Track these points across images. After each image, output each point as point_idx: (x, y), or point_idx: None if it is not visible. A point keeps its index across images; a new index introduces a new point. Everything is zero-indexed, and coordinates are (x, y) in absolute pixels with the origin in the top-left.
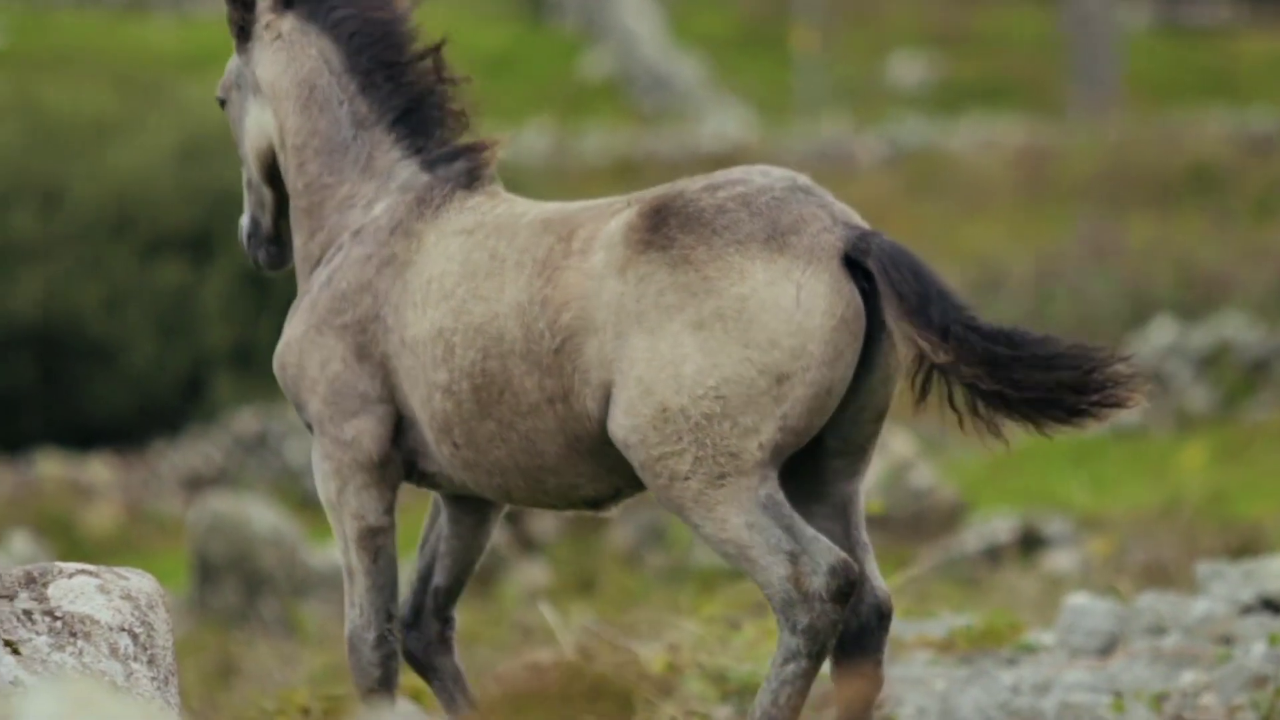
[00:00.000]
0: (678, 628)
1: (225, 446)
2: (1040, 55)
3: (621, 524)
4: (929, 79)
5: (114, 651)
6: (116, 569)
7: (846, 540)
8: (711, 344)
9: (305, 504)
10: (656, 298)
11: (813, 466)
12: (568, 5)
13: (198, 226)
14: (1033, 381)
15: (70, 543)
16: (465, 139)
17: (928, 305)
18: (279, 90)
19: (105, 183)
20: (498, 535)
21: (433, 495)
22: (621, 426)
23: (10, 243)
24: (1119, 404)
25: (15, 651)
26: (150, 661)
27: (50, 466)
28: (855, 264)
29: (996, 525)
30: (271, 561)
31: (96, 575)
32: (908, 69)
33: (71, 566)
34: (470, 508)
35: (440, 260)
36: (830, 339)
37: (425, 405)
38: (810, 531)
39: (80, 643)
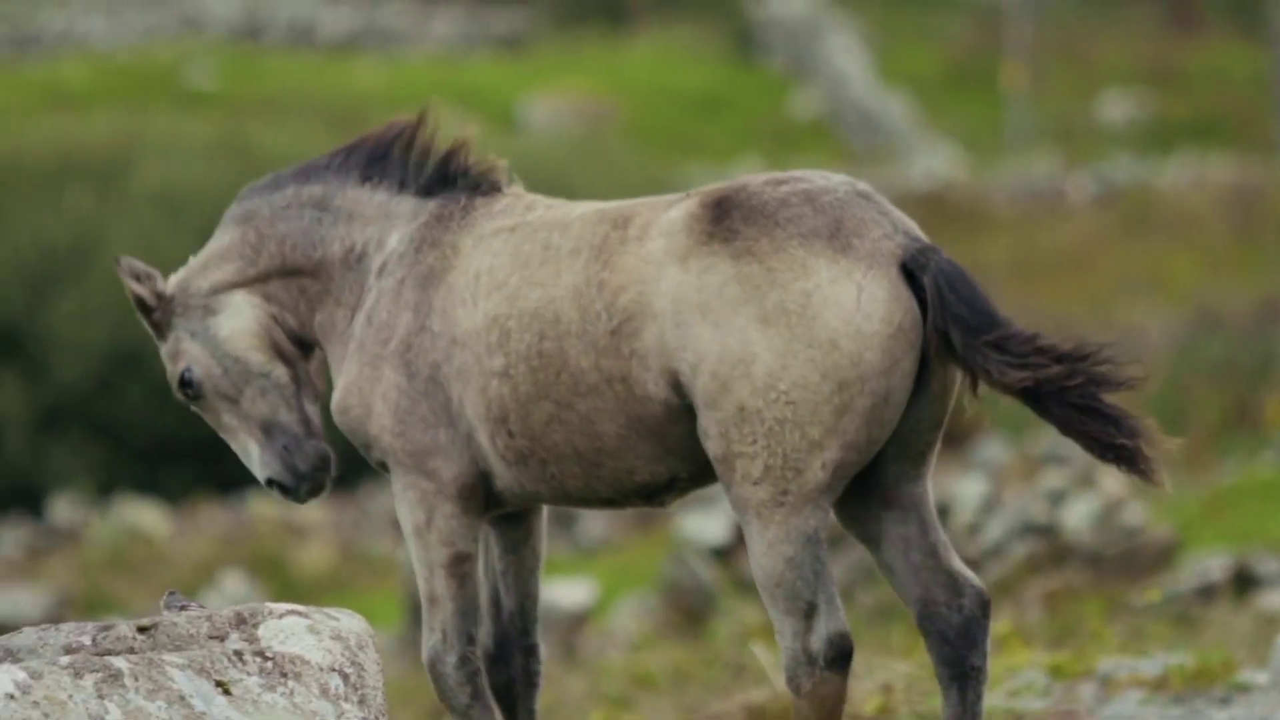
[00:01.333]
0: (889, 668)
1: None
2: (1251, 93)
3: (833, 562)
4: (1139, 117)
5: (325, 692)
6: (326, 609)
7: (924, 541)
8: (778, 342)
9: None
10: (720, 289)
11: (875, 473)
12: (776, 45)
13: None
14: (1079, 415)
15: (283, 582)
16: (435, 157)
17: (985, 329)
18: (224, 287)
19: None
20: (709, 574)
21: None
22: (705, 416)
23: None
24: (1139, 471)
25: (226, 692)
26: (361, 702)
27: (263, 507)
28: (913, 275)
29: (1210, 564)
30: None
31: (306, 616)
32: (1118, 107)
33: (281, 607)
34: (513, 521)
35: (486, 257)
36: (887, 346)
37: (480, 396)
38: (833, 589)
39: (291, 683)
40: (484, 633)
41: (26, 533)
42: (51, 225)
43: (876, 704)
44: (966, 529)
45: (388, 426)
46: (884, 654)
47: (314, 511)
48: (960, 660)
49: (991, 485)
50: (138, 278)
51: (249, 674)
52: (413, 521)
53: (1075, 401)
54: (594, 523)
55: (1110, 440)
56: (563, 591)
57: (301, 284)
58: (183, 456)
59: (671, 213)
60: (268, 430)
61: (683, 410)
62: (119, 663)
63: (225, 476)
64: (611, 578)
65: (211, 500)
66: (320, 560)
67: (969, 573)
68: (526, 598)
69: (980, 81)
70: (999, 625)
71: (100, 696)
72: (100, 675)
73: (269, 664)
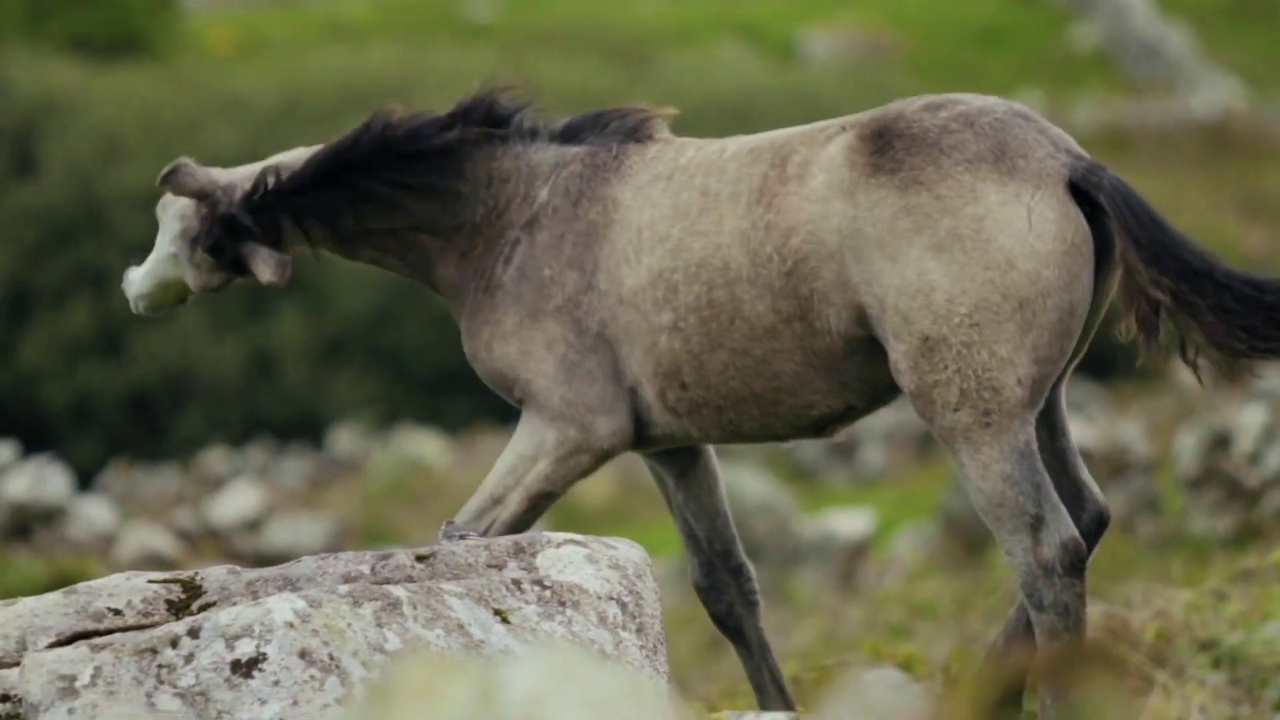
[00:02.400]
0: (1168, 597)
1: None
2: None
3: (1114, 492)
4: None
5: (603, 620)
6: (604, 538)
7: (1052, 445)
8: (954, 268)
9: (797, 474)
10: (891, 222)
11: None
12: None
13: None
14: (1269, 332)
15: (562, 513)
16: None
17: (1174, 249)
18: (321, 235)
19: None
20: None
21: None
22: (894, 350)
23: None
24: None
25: (505, 620)
26: (639, 630)
27: None
28: (1079, 192)
29: None
30: (762, 531)
31: (584, 545)
32: None
33: (559, 536)
34: (680, 457)
35: (645, 210)
36: (1063, 264)
37: (649, 354)
38: (1054, 497)
39: (569, 612)
40: (692, 568)
41: (308, 463)
42: None
43: (1155, 631)
44: (1247, 458)
45: (549, 373)
46: (1163, 583)
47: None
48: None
49: (1272, 415)
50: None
51: (527, 603)
52: (533, 449)
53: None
54: (873, 453)
55: None
56: (841, 521)
57: (416, 239)
58: (462, 387)
59: (829, 148)
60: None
61: (863, 342)
62: (398, 591)
63: (505, 407)
64: (890, 508)
65: (491, 430)
66: (600, 491)
67: (1095, 487)
68: (717, 517)
69: (1261, 13)
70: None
71: (379, 625)
72: (379, 604)
73: (547, 593)
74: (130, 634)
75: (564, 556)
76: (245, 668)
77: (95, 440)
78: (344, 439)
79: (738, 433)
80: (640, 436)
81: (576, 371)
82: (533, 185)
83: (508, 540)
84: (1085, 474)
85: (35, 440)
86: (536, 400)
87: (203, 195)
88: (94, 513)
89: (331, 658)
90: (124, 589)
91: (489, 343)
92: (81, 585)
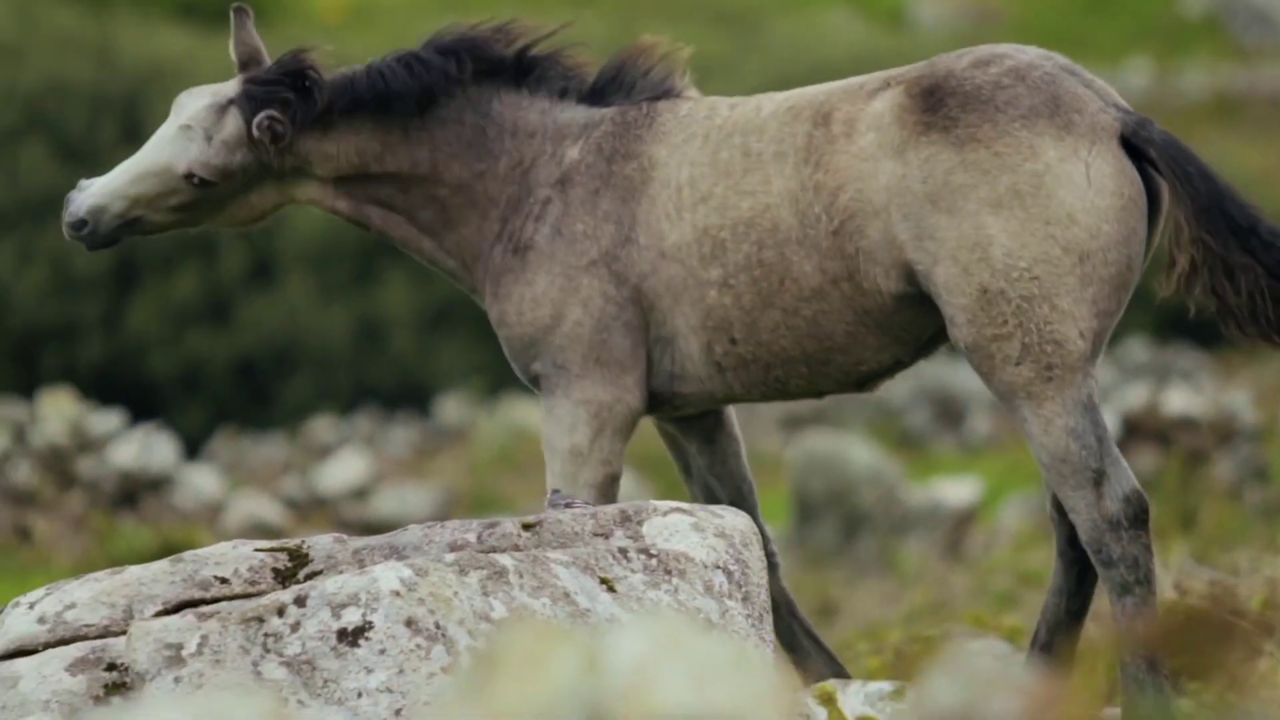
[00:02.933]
0: (1277, 565)
1: None
2: None
3: (1222, 460)
4: None
5: (709, 589)
6: (710, 507)
7: None
8: (1014, 223)
9: (904, 442)
10: (945, 177)
11: None
12: None
13: None
14: None
15: (670, 481)
16: (580, 59)
17: (1222, 204)
18: (343, 160)
19: None
20: None
21: (666, 435)
22: (950, 305)
23: None
24: None
25: (611, 589)
26: (745, 599)
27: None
28: (1130, 146)
29: None
30: (869, 500)
31: (691, 513)
32: None
33: (666, 504)
34: (705, 423)
35: (685, 167)
36: (1121, 218)
37: (696, 307)
38: (1115, 450)
39: (675, 580)
40: None
41: (415, 432)
42: None
43: (1260, 599)
44: None
45: (585, 335)
46: (1271, 551)
47: None
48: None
49: None
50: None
51: (633, 571)
52: (571, 441)
53: None
54: (980, 421)
55: None
56: (948, 490)
57: (434, 193)
58: None
59: (875, 105)
60: None
61: (912, 298)
62: (504, 560)
63: None
64: (997, 476)
65: None
66: None
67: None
68: (742, 482)
69: None
70: None
71: (485, 593)
72: (485, 572)
73: (653, 561)
74: (236, 603)
75: (670, 525)
76: (351, 636)
77: (203, 409)
78: (451, 407)
79: (782, 390)
80: (673, 394)
81: (614, 325)
82: (560, 144)
83: (614, 509)
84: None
85: (143, 409)
86: (567, 371)
87: (255, 56)
88: (201, 481)
89: (437, 626)
90: (230, 557)
91: (520, 306)
92: (188, 554)
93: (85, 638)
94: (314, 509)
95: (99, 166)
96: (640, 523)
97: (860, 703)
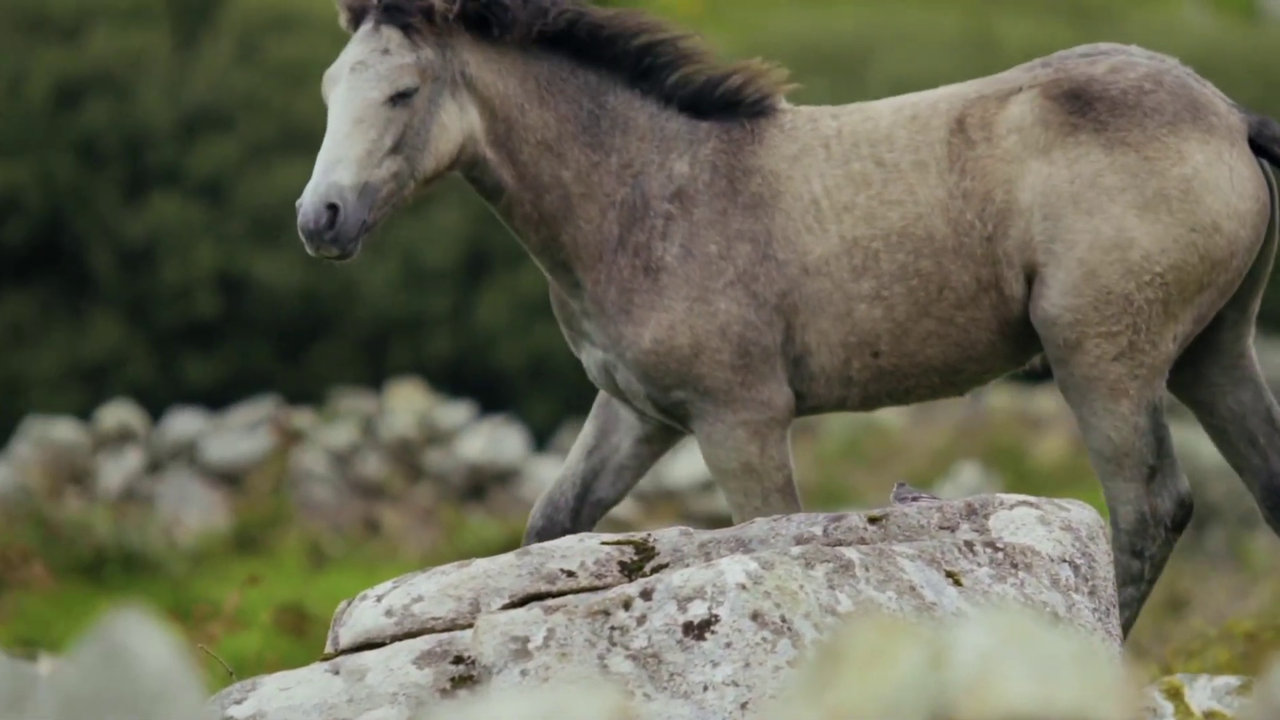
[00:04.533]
0: None
1: None
2: None
3: None
4: None
5: (1055, 583)
6: (1056, 500)
7: (1259, 406)
8: (1158, 228)
9: None
10: (1094, 179)
11: (1212, 334)
12: None
13: None
14: None
15: (1017, 474)
16: (699, 70)
17: None
18: (500, 92)
19: None
20: None
21: (603, 406)
22: (1055, 305)
23: None
24: None
25: (957, 583)
26: (1091, 593)
27: (1000, 398)
28: (1256, 147)
29: None
30: (1219, 493)
31: (1037, 506)
32: None
33: (1012, 498)
34: (667, 432)
35: (814, 180)
36: (1255, 223)
37: (841, 321)
38: (1173, 452)
39: (1021, 574)
40: (549, 508)
41: None
42: None
43: None
44: None
45: (726, 361)
46: None
47: (1049, 403)
48: None
49: None
50: None
51: (979, 565)
52: (742, 459)
53: None
54: None
55: None
56: None
57: (559, 173)
58: None
59: (1011, 109)
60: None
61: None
62: (850, 553)
63: None
64: None
65: None
66: (1055, 452)
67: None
68: (620, 497)
69: None
70: None
71: (831, 587)
72: (831, 565)
73: (999, 555)
74: (583, 595)
75: (1016, 518)
76: (697, 629)
77: (551, 400)
78: None
79: (892, 397)
80: (801, 403)
81: (754, 350)
82: (668, 155)
83: (960, 502)
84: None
85: (491, 401)
86: (715, 397)
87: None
88: (549, 473)
89: (783, 620)
90: (577, 550)
91: (657, 334)
92: (535, 547)
93: (432, 630)
94: (661, 501)
95: None
96: (986, 516)
97: (1207, 697)
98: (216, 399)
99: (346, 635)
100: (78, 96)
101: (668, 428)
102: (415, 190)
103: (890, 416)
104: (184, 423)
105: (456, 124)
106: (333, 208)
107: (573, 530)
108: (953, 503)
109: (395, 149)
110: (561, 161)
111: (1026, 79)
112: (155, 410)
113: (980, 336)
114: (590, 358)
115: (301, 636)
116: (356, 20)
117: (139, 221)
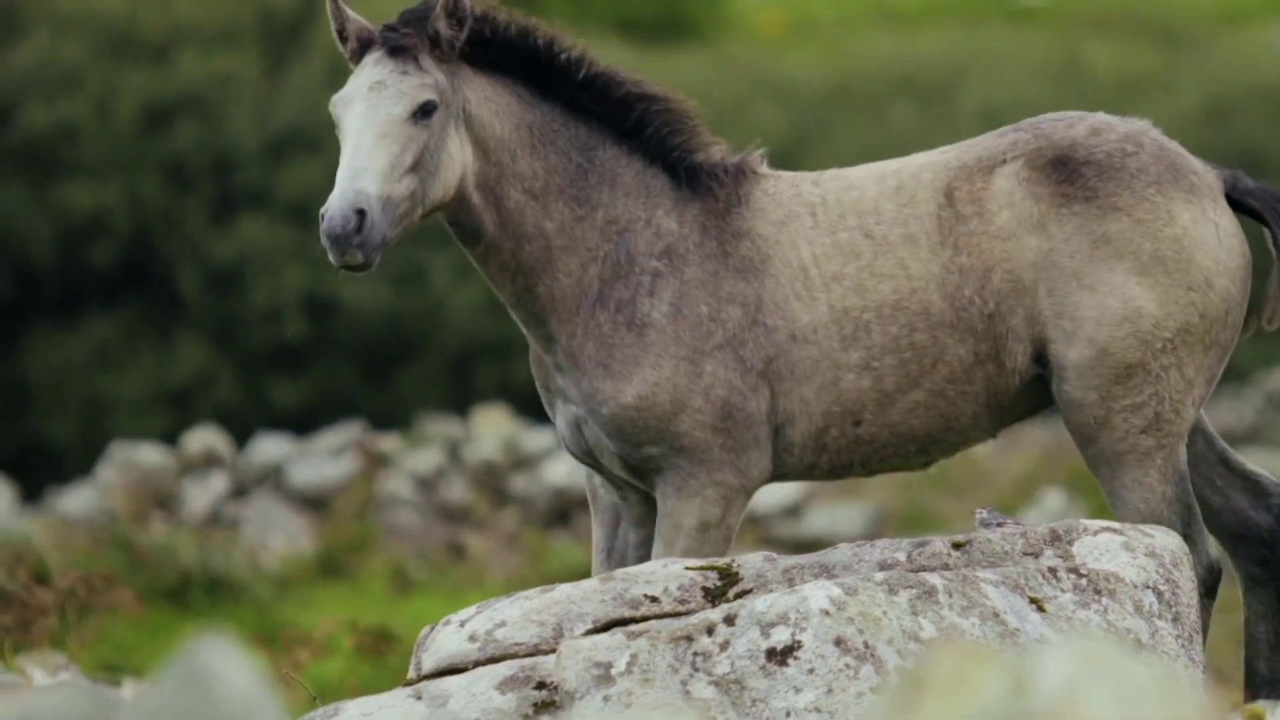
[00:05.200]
0: None
1: (1256, 405)
2: None
3: None
4: None
5: (1138, 609)
6: (1141, 526)
7: (1212, 453)
8: (1159, 291)
9: None
10: (1091, 251)
11: None
12: None
13: None
14: None
15: (1102, 500)
16: (685, 130)
17: None
18: (496, 134)
19: None
20: None
21: (602, 510)
22: (1076, 387)
23: None
24: None
25: (1040, 609)
26: (1175, 620)
27: None
28: (1232, 202)
29: None
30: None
31: (1121, 532)
32: None
33: (1096, 524)
34: (654, 508)
35: (802, 247)
36: (1243, 278)
37: (827, 390)
38: (1200, 519)
39: (1105, 600)
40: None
41: None
42: (876, 143)
43: None
44: None
45: (707, 423)
46: None
47: None
48: (1276, 558)
49: None
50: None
51: (1063, 591)
52: (702, 518)
53: None
54: None
55: None
56: None
57: (543, 224)
58: None
59: (998, 181)
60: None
61: (1033, 378)
62: (933, 579)
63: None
64: None
65: (1032, 418)
66: None
67: (1264, 471)
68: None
69: None
70: None
71: (914, 613)
72: (915, 591)
73: (1083, 581)
74: (666, 621)
75: (1100, 544)
76: (780, 655)
77: None
78: None
79: (864, 466)
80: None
81: (737, 415)
82: (654, 212)
83: (1044, 528)
84: (1252, 466)
85: None
86: (690, 456)
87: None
88: None
89: (866, 645)
90: (661, 576)
91: (639, 389)
92: (619, 572)
93: (515, 656)
94: (745, 527)
95: None
96: (1070, 542)
97: None
98: (302, 423)
99: (429, 660)
100: (166, 118)
101: (654, 505)
102: (419, 219)
103: None
104: (270, 447)
105: (459, 157)
106: (360, 213)
107: None
108: (1037, 528)
109: (414, 168)
110: (546, 213)
111: (1007, 148)
112: (241, 434)
113: (966, 409)
114: (563, 416)
115: (384, 661)
116: (363, 49)
117: (227, 244)
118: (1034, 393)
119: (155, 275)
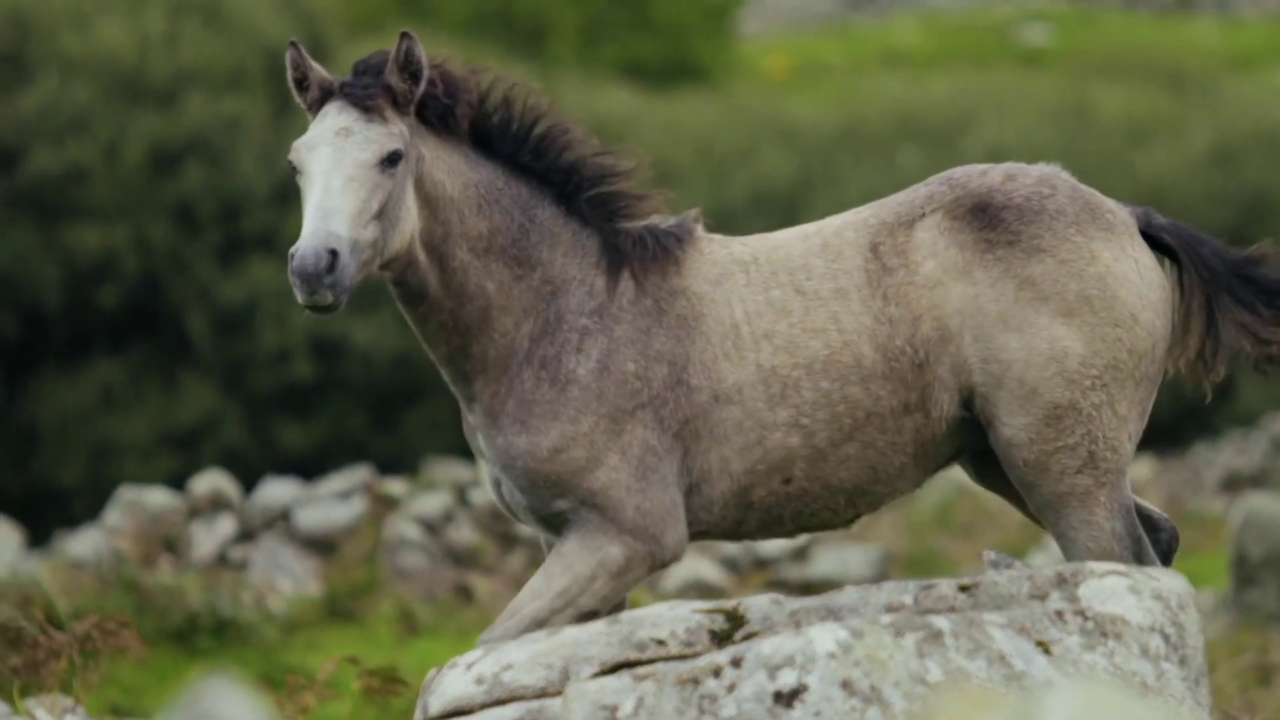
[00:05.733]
0: None
1: (1263, 448)
2: None
3: None
4: None
5: (1145, 652)
6: (1147, 569)
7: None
8: (1086, 330)
9: None
10: (1017, 293)
11: None
12: None
13: (1227, 229)
14: None
15: None
16: (622, 190)
17: (1243, 272)
18: (446, 194)
19: (1141, 182)
20: None
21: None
22: (1008, 429)
23: None
24: None
25: (1047, 652)
26: (1181, 662)
27: None
28: (1147, 238)
29: None
30: None
31: (1127, 575)
32: None
33: (1103, 567)
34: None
35: (735, 304)
36: (1165, 311)
37: (749, 450)
38: (1150, 550)
39: (1111, 643)
40: None
41: None
42: (882, 185)
43: None
44: None
45: (623, 482)
46: None
47: (1142, 469)
48: None
49: None
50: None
51: (1069, 634)
52: (594, 570)
53: None
54: None
55: None
56: None
57: (484, 284)
58: None
59: (921, 234)
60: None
61: (961, 424)
62: (940, 622)
63: None
64: None
65: None
66: None
67: (1155, 507)
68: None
69: None
70: None
71: (920, 655)
72: (921, 634)
73: (1089, 624)
74: (673, 664)
75: (1107, 587)
76: (787, 698)
77: None
78: None
79: (795, 521)
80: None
81: (652, 477)
82: (589, 271)
83: (1051, 570)
84: (1143, 501)
85: None
86: (603, 512)
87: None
88: None
89: (873, 688)
90: (667, 619)
91: (556, 444)
92: (625, 615)
93: (522, 698)
94: (753, 569)
95: None
96: (1077, 585)
97: None
98: (310, 466)
99: (436, 703)
100: (174, 162)
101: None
102: (374, 272)
103: None
104: (277, 491)
105: (412, 213)
106: (333, 253)
107: None
108: (1044, 571)
109: (379, 215)
110: (488, 273)
111: (924, 201)
112: (248, 477)
113: (894, 460)
114: (489, 474)
115: (391, 704)
116: (323, 99)
117: (235, 286)
118: (958, 438)
119: (163, 318)
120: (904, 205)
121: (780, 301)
